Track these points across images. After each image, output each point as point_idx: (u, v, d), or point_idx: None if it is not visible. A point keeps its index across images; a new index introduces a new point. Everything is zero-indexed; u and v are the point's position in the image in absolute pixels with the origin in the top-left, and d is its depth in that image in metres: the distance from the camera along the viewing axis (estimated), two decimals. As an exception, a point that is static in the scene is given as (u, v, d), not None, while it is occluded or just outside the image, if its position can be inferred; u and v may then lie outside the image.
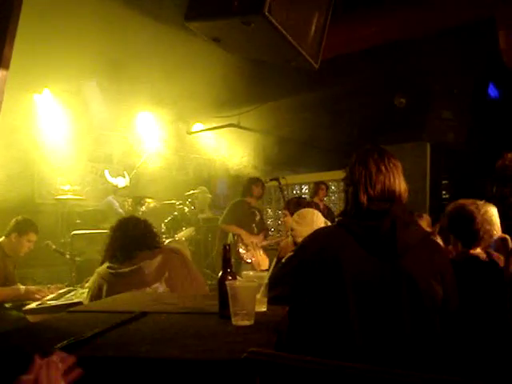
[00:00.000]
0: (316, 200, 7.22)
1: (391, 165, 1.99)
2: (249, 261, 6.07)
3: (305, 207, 3.99)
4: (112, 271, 2.97)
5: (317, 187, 7.43)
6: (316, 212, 3.45)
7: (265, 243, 6.38)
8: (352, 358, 1.79)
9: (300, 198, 4.93)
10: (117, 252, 3.08)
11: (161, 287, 2.94)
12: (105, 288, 2.91)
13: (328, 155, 7.91)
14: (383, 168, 1.97)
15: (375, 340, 1.80)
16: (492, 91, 7.14)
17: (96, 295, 2.93)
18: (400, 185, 1.99)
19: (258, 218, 6.58)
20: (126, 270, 2.96)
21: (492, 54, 5.01)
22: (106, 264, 3.05)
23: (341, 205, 8.82)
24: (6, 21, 3.03)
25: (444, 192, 7.92)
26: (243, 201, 6.58)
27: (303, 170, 9.09)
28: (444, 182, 7.87)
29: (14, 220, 4.51)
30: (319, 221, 3.31)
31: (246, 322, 1.68)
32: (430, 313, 1.84)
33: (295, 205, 4.35)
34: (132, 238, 3.11)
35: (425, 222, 4.46)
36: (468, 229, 2.70)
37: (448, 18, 4.68)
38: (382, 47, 5.25)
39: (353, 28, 4.98)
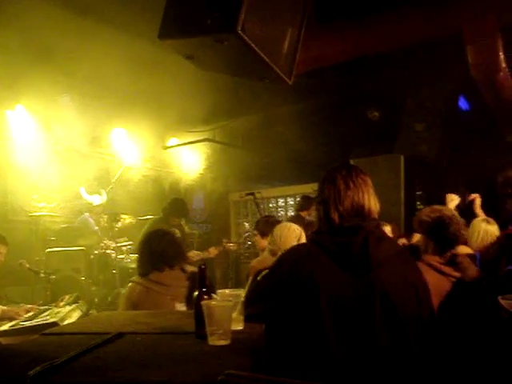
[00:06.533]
0: (303, 214, 7.02)
1: (360, 180, 2.02)
2: None
3: (274, 225, 4.01)
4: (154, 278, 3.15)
5: (310, 202, 6.84)
6: (289, 226, 3.47)
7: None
8: (330, 374, 1.80)
9: (269, 216, 4.91)
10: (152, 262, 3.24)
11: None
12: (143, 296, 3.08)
13: (303, 168, 7.96)
14: (351, 184, 2.00)
15: (352, 356, 1.81)
16: (463, 104, 7.27)
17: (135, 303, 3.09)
18: (369, 200, 2.01)
19: (178, 236, 6.34)
20: (171, 282, 3.15)
21: (462, 67, 5.11)
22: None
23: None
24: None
25: (418, 203, 8.00)
26: (163, 219, 6.29)
27: (279, 183, 9.13)
28: (418, 193, 7.96)
29: None
30: (290, 235, 3.33)
31: (223, 342, 1.68)
32: (404, 326, 1.86)
33: (264, 224, 4.36)
34: (165, 251, 3.27)
35: (388, 228, 4.54)
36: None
37: (418, 33, 4.78)
38: (356, 61, 5.32)
39: (326, 42, 5.04)
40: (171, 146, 8.25)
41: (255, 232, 4.48)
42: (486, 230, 3.75)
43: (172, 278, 3.19)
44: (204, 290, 1.82)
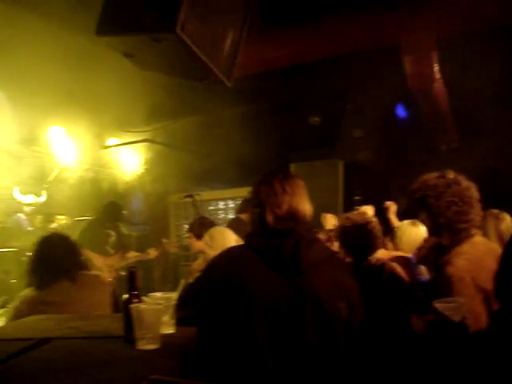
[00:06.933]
0: (243, 216, 6.90)
1: (296, 185, 2.04)
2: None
3: (209, 227, 3.98)
4: (39, 299, 2.76)
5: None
6: (226, 231, 3.48)
7: (123, 263, 5.93)
8: (259, 376, 1.79)
9: (203, 218, 4.86)
10: (39, 275, 2.87)
11: None
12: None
13: (244, 171, 7.96)
14: (288, 188, 2.01)
15: (281, 358, 1.81)
16: (401, 112, 7.47)
17: None
18: (305, 205, 2.04)
19: (112, 238, 6.20)
20: (58, 299, 2.75)
21: (401, 76, 5.24)
22: (31, 289, 2.85)
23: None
24: None
25: (356, 207, 8.15)
26: (96, 221, 6.20)
27: (220, 185, 9.11)
28: (356, 197, 8.12)
29: None
30: (230, 240, 3.32)
31: (152, 346, 1.65)
32: (334, 329, 1.88)
33: (199, 226, 4.31)
34: (54, 261, 2.88)
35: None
36: None
37: (359, 41, 4.87)
38: (298, 66, 5.37)
39: (270, 46, 5.06)
40: (110, 146, 8.06)
41: (190, 234, 4.41)
42: (412, 232, 3.81)
43: (65, 295, 2.79)
44: (134, 292, 1.78)
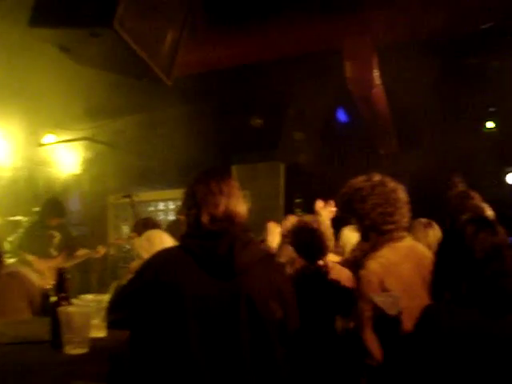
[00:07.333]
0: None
1: (232, 186, 2.02)
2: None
3: (152, 227, 3.98)
4: None
5: None
6: (162, 235, 3.45)
7: (71, 262, 5.83)
8: (194, 381, 1.76)
9: (147, 218, 4.89)
10: None
11: None
12: None
13: (185, 172, 7.90)
14: (225, 189, 1.98)
15: (215, 361, 1.78)
16: (341, 116, 7.59)
17: None
18: (241, 206, 2.01)
19: (56, 239, 5.96)
20: None
21: (343, 81, 5.31)
22: None
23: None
24: None
25: (298, 210, 8.22)
26: (39, 223, 5.99)
27: (160, 186, 8.99)
28: (297, 200, 8.19)
29: None
30: (166, 243, 3.27)
31: (80, 350, 1.59)
32: (268, 331, 1.86)
33: (142, 226, 4.29)
34: None
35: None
36: None
37: (302, 44, 4.91)
38: (242, 67, 5.36)
39: (214, 47, 5.03)
40: (47, 144, 7.79)
41: (133, 234, 4.38)
42: (354, 237, 3.85)
43: None
44: (62, 294, 1.71)
